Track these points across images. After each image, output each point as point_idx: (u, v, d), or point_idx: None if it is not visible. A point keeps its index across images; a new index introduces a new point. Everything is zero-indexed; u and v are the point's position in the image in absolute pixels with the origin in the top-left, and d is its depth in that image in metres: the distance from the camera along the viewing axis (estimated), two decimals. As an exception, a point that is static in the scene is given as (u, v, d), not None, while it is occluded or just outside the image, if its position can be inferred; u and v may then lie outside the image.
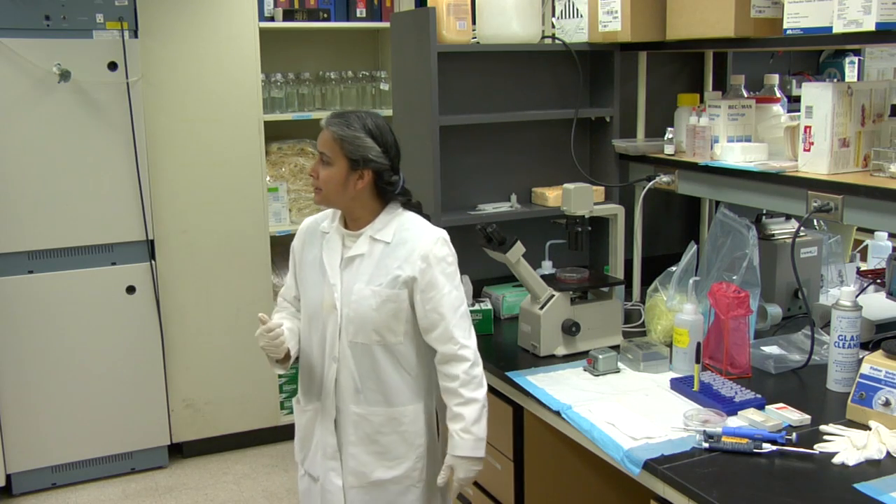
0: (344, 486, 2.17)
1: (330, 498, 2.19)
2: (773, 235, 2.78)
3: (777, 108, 2.79)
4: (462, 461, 2.08)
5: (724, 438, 1.91)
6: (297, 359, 2.24)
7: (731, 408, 2.08)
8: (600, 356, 2.40)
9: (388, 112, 3.85)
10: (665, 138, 2.86)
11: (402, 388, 2.15)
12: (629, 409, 2.14)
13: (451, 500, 2.29)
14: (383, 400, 2.14)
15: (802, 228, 2.52)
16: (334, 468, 2.18)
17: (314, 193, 2.12)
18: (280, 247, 4.27)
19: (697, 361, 2.23)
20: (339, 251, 2.14)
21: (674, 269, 2.59)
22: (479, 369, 2.12)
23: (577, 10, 3.00)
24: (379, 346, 2.11)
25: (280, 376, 4.11)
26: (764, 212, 2.82)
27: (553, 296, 2.51)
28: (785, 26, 2.31)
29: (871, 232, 3.22)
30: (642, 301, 2.84)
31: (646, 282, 2.83)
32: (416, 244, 2.09)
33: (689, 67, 3.26)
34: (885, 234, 3.20)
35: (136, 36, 3.62)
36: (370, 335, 2.10)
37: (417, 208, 2.20)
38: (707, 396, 2.15)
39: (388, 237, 2.10)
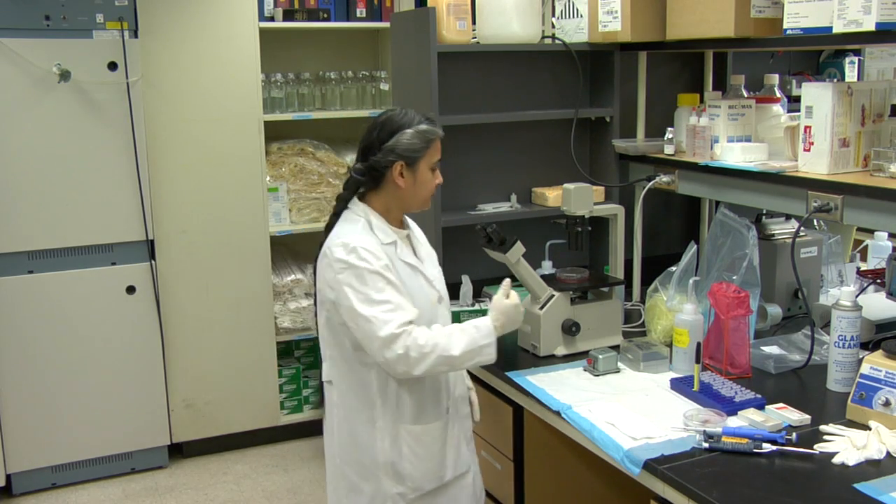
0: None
1: (478, 478, 2.30)
2: (773, 235, 2.78)
3: (777, 108, 2.79)
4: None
5: (724, 438, 1.91)
6: None
7: (731, 408, 2.08)
8: (600, 356, 2.40)
9: (388, 112, 3.83)
10: (665, 138, 2.86)
11: None
12: (629, 409, 2.14)
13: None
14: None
15: (802, 228, 2.52)
16: (473, 449, 2.28)
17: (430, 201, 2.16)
18: (280, 247, 4.28)
19: (697, 361, 2.23)
20: (411, 251, 2.18)
21: (674, 269, 2.59)
22: None
23: (577, 10, 3.00)
24: None
25: (281, 375, 4.12)
26: (764, 212, 2.82)
27: (553, 296, 2.51)
28: (785, 26, 2.31)
29: (871, 232, 3.22)
30: (642, 301, 2.84)
31: (646, 282, 2.83)
32: (414, 225, 2.26)
33: (689, 67, 3.26)
34: (885, 234, 3.20)
35: (136, 36, 3.62)
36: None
37: None
38: (707, 396, 2.15)
39: (412, 227, 2.24)
